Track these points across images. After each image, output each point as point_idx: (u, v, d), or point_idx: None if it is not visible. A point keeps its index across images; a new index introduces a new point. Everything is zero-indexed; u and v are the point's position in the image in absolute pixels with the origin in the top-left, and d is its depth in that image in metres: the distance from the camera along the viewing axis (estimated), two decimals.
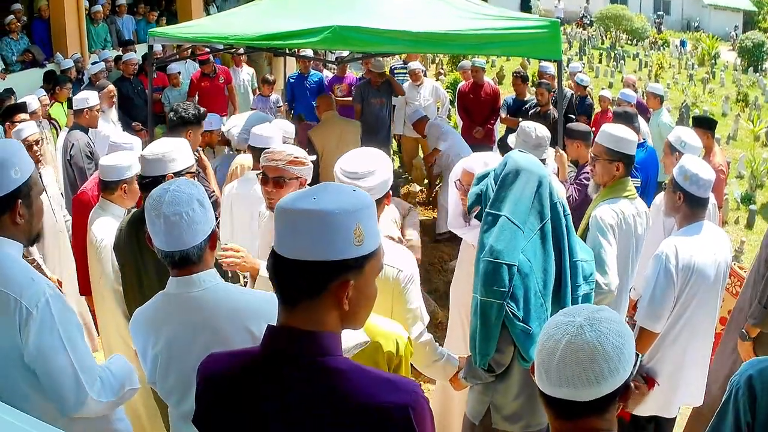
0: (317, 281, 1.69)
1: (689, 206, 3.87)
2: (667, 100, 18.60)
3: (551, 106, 8.49)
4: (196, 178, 3.72)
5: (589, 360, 1.66)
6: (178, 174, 3.58)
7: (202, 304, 2.40)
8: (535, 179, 3.31)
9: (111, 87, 8.32)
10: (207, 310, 2.38)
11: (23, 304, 2.37)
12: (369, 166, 3.27)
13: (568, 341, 1.68)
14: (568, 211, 3.42)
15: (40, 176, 5.23)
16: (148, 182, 3.58)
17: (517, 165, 3.32)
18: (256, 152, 4.91)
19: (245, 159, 5.42)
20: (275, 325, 1.75)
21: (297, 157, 3.67)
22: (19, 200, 2.45)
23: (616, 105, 9.31)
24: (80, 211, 4.80)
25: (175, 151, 3.68)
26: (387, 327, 2.99)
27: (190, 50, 10.56)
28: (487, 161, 3.72)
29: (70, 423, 2.51)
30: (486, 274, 3.18)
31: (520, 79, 9.63)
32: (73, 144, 6.50)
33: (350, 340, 2.97)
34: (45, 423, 1.34)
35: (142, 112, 9.43)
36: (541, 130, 4.98)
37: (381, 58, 9.64)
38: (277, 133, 4.91)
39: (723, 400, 2.15)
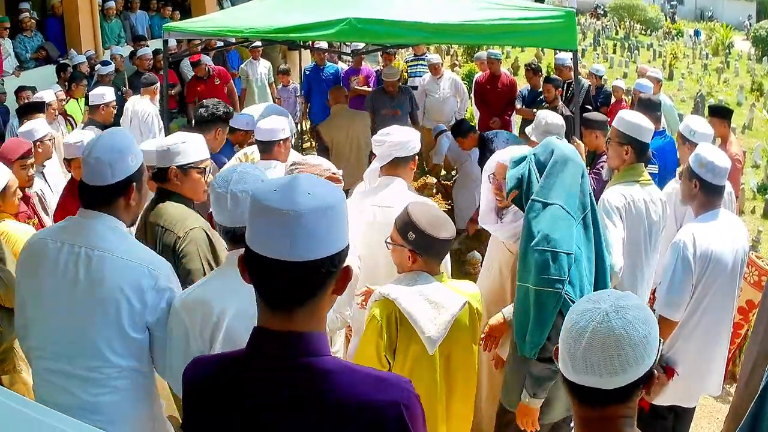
0: (327, 276, 1.66)
1: (705, 194, 3.86)
2: (682, 90, 18.60)
3: (560, 102, 8.51)
4: (204, 175, 3.68)
5: (616, 348, 1.65)
6: (181, 167, 3.60)
7: None
8: (580, 169, 3.39)
9: (158, 84, 8.39)
10: None
11: (158, 277, 2.62)
12: (395, 129, 4.11)
13: (594, 328, 1.67)
14: (595, 202, 3.47)
15: (43, 174, 5.32)
16: (155, 172, 3.65)
17: (564, 153, 3.37)
18: (262, 146, 4.96)
19: (251, 149, 5.40)
20: (261, 326, 1.69)
21: (334, 173, 3.51)
22: (134, 184, 2.69)
23: (632, 95, 9.31)
24: None
25: (183, 144, 3.66)
26: (464, 288, 3.24)
27: (203, 45, 10.57)
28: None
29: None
30: (544, 264, 3.19)
31: (531, 71, 9.66)
32: None
33: (452, 305, 3.07)
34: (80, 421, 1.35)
35: None
36: (553, 118, 5.02)
37: (393, 66, 9.66)
38: (283, 125, 4.97)
39: (763, 386, 2.13)
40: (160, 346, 2.67)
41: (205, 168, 3.72)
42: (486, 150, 6.92)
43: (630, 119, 4.20)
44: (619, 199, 4.05)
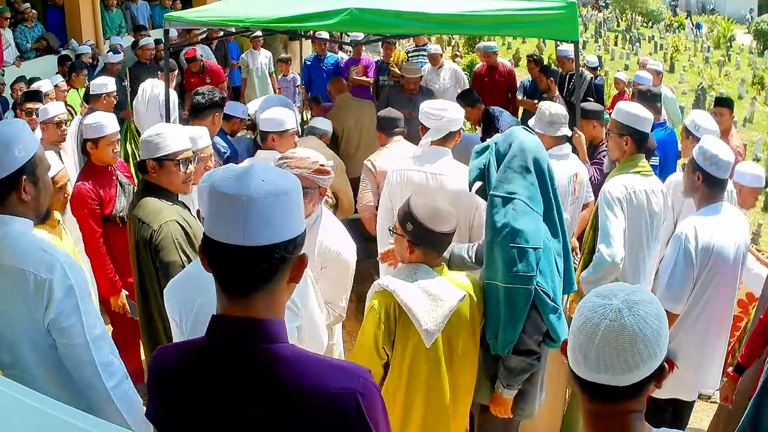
0: (282, 263, 1.68)
1: (708, 187, 3.85)
2: (683, 82, 18.57)
3: (557, 92, 8.51)
4: (181, 167, 3.65)
5: (630, 345, 1.64)
6: (157, 160, 3.60)
7: None
8: (542, 162, 3.35)
9: (176, 72, 8.38)
10: None
11: (40, 276, 2.41)
12: (447, 104, 4.54)
13: (607, 326, 1.65)
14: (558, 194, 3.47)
15: (60, 157, 5.32)
16: (138, 164, 3.69)
17: (523, 145, 3.33)
18: (265, 136, 5.01)
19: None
20: (220, 314, 1.72)
21: (323, 165, 3.40)
22: (24, 177, 2.48)
23: (632, 87, 9.29)
24: None
25: (158, 136, 3.64)
26: (464, 280, 3.24)
27: (204, 35, 10.55)
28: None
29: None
30: (511, 260, 3.16)
31: (533, 62, 9.65)
32: None
33: (451, 297, 3.07)
34: (84, 412, 1.34)
35: None
36: (556, 108, 4.98)
37: (420, 53, 9.54)
38: (289, 116, 4.99)
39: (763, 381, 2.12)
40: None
41: (183, 159, 3.67)
42: (491, 126, 6.90)
43: (628, 109, 4.21)
44: (620, 189, 4.05)
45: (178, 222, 3.48)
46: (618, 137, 4.19)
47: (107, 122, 4.67)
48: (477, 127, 7.75)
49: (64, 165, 4.15)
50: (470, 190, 3.54)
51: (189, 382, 1.71)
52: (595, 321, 1.67)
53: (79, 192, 4.54)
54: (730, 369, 3.94)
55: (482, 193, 3.45)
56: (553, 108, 4.94)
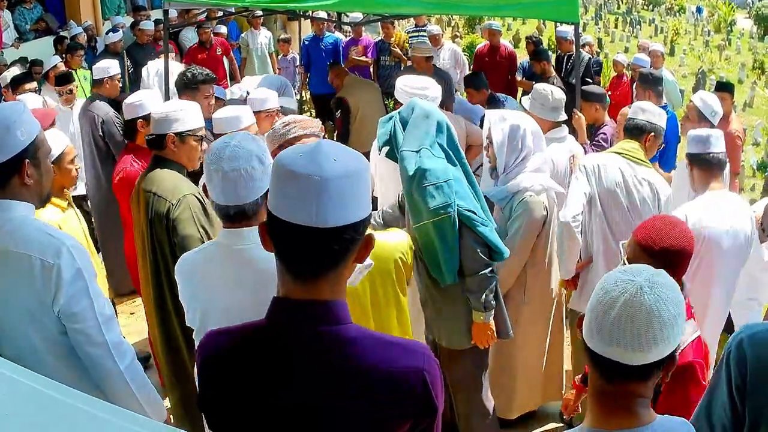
0: (352, 243, 1.63)
1: (699, 168, 3.90)
2: (683, 65, 18.52)
3: (553, 73, 8.47)
4: (202, 142, 3.68)
5: (645, 323, 1.64)
6: (179, 135, 3.60)
7: (247, 260, 2.39)
8: (441, 122, 3.63)
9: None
10: (251, 267, 2.36)
11: (45, 260, 2.38)
12: (427, 81, 4.53)
13: (626, 300, 1.66)
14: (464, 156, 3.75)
15: None
16: (151, 139, 3.65)
17: (424, 109, 3.66)
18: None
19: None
20: (283, 296, 1.67)
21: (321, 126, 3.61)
22: (27, 160, 2.45)
23: (631, 69, 9.29)
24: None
25: (182, 111, 3.66)
26: (391, 237, 3.39)
27: (204, 15, 10.50)
28: (504, 116, 4.06)
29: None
30: (429, 197, 3.42)
31: (533, 43, 9.64)
32: (101, 118, 6.20)
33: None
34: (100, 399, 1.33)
35: None
36: (558, 93, 4.97)
37: (426, 39, 9.52)
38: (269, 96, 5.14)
39: (717, 364, 2.13)
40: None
41: (202, 136, 3.72)
42: None
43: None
44: (592, 162, 4.16)
45: (195, 196, 3.45)
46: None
47: (150, 100, 4.54)
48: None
49: (69, 142, 4.07)
50: (379, 155, 3.80)
51: (249, 368, 1.66)
52: (615, 294, 1.68)
53: (129, 176, 4.36)
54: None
55: (391, 155, 3.72)
56: (556, 93, 4.94)
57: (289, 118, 3.62)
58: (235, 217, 2.42)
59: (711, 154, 3.90)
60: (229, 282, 2.41)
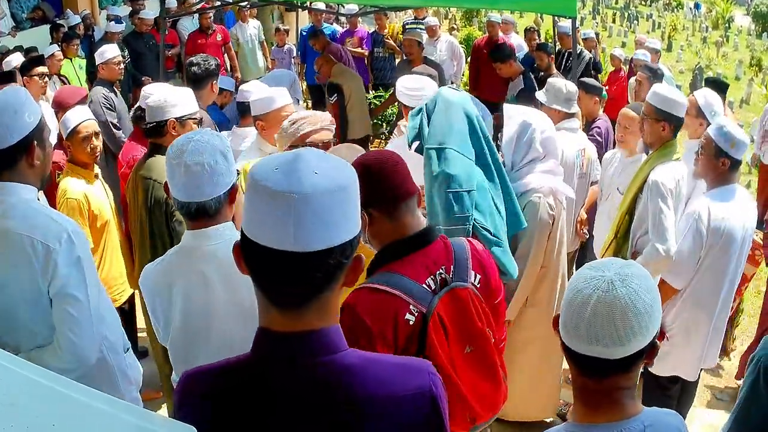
0: (338, 268, 1.44)
1: (732, 171, 3.81)
2: (680, 61, 18.52)
3: (554, 69, 8.42)
4: (199, 126, 3.67)
5: (621, 317, 1.62)
6: (179, 119, 3.61)
7: (219, 258, 2.36)
8: (469, 113, 3.51)
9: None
10: (225, 265, 2.27)
11: (48, 244, 2.40)
12: (423, 81, 4.61)
13: (599, 297, 1.63)
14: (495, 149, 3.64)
15: None
16: (151, 127, 3.65)
17: (447, 99, 3.54)
18: (240, 107, 5.11)
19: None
20: (266, 328, 1.49)
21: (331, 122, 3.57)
22: (35, 142, 2.50)
23: (633, 65, 9.28)
24: None
25: (176, 97, 3.66)
26: None
27: (201, 5, 10.47)
28: (520, 112, 4.01)
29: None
30: (447, 204, 3.34)
31: (536, 34, 9.61)
32: (91, 98, 6.27)
33: None
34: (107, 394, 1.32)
35: (152, 67, 9.43)
36: (571, 86, 5.17)
37: (417, 26, 9.50)
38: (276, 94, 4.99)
39: (748, 378, 2.12)
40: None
41: (200, 119, 3.73)
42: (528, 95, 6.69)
43: (665, 94, 4.07)
44: (672, 180, 3.98)
45: None
46: (655, 122, 4.08)
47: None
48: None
49: (86, 118, 4.08)
50: (409, 149, 3.68)
51: (237, 408, 1.48)
52: (587, 292, 1.65)
53: None
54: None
55: (421, 150, 3.63)
56: (569, 85, 5.15)
57: (296, 114, 3.57)
58: (196, 214, 2.38)
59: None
60: (204, 282, 2.38)
